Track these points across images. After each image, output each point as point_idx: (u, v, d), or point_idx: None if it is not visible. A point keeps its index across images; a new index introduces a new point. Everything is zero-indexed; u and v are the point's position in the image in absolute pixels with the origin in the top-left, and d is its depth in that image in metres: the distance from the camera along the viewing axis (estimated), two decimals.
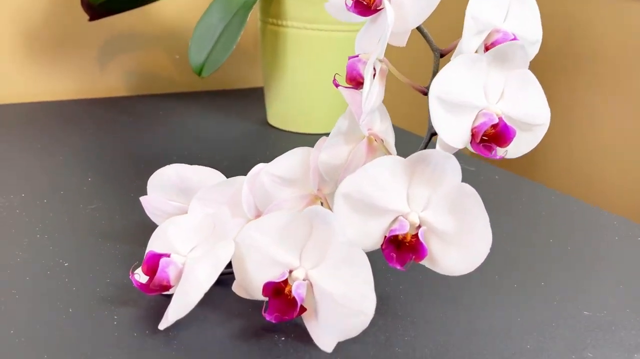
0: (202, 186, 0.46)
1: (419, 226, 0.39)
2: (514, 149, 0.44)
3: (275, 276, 0.38)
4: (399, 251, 0.39)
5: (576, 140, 1.28)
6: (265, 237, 0.39)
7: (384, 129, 0.48)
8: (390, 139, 0.49)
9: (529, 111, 0.43)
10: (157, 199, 0.47)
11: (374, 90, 0.44)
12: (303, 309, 0.38)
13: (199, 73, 0.74)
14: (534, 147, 0.44)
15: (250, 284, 0.40)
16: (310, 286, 0.38)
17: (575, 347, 0.40)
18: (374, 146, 0.47)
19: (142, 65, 0.98)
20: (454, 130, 0.41)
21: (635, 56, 1.15)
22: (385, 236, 0.39)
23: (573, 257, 0.53)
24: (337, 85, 0.47)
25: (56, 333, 0.37)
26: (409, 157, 0.39)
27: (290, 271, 0.38)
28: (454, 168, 0.38)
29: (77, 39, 0.92)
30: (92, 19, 0.81)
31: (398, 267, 0.39)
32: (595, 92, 1.23)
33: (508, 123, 0.41)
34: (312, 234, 0.39)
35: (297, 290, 0.37)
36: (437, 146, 0.42)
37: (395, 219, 0.39)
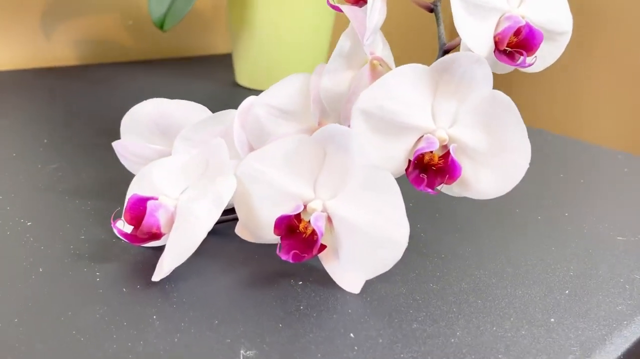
0: (186, 123, 0.39)
1: (445, 147, 0.34)
2: (539, 61, 0.39)
3: (289, 209, 0.33)
4: (428, 175, 0.34)
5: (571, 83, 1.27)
6: (271, 168, 0.34)
7: (386, 54, 0.43)
8: (391, 64, 0.44)
9: (551, 17, 0.38)
10: (133, 144, 0.40)
11: (376, 5, 0.39)
12: (322, 246, 0.32)
13: (161, 26, 0.67)
14: (557, 57, 0.40)
15: (257, 224, 0.34)
16: (328, 220, 0.33)
17: (621, 270, 0.36)
18: (379, 71, 0.42)
19: (91, 33, 0.89)
20: (478, 35, 0.36)
21: None
22: (410, 159, 0.34)
23: (588, 191, 0.50)
24: (331, 6, 0.42)
25: (26, 293, 0.30)
26: (432, 65, 0.34)
27: (305, 206, 0.33)
28: (485, 74, 0.34)
29: (19, 4, 0.82)
30: None
31: (429, 191, 0.34)
32: None
33: (534, 26, 0.36)
34: (326, 160, 0.33)
35: (317, 222, 0.32)
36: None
37: (420, 139, 0.34)
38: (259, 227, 0.34)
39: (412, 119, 0.34)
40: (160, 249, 0.34)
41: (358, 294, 0.33)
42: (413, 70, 0.34)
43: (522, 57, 0.36)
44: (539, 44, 0.36)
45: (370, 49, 0.41)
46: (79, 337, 0.27)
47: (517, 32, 0.36)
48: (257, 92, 0.76)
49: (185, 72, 0.85)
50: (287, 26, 0.73)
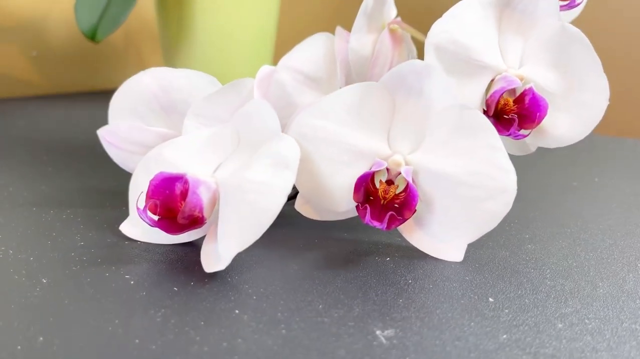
0: (192, 98, 0.32)
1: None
2: (567, 14, 0.37)
3: (361, 170, 0.27)
4: (502, 122, 0.30)
5: None
6: (333, 123, 0.27)
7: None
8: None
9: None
10: (128, 127, 0.32)
11: None
12: (413, 210, 0.27)
13: (92, 37, 0.58)
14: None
15: (324, 194, 0.27)
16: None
17: None
18: (399, 35, 0.37)
19: None
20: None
21: None
22: (491, 98, 0.29)
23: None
24: None
25: (41, 308, 0.21)
26: None
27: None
28: (549, 5, 0.30)
29: None
30: None
31: (519, 134, 0.29)
32: None
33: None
34: (397, 109, 0.28)
35: (408, 176, 0.26)
36: None
37: (493, 81, 0.30)
38: (325, 196, 0.27)
39: (486, 57, 0.29)
40: (188, 246, 0.27)
41: (461, 262, 0.27)
42: (479, 2, 0.30)
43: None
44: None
45: (390, 9, 0.37)
46: (147, 345, 0.19)
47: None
48: None
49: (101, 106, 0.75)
50: (237, 35, 0.67)
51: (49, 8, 0.81)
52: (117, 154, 0.32)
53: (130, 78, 0.32)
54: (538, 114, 0.29)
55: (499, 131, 0.29)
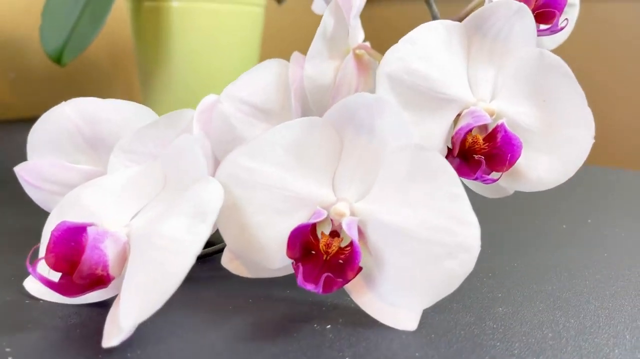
0: (124, 131, 0.28)
1: (483, 129, 0.26)
2: (552, 38, 0.33)
3: (299, 220, 0.23)
4: (469, 163, 0.26)
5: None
6: (269, 164, 0.24)
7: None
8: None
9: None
10: (48, 164, 0.28)
11: None
12: (358, 269, 0.23)
13: (58, 60, 0.55)
14: (568, 34, 0.34)
15: (255, 248, 0.23)
16: (359, 232, 0.23)
17: None
18: (365, 62, 0.34)
19: None
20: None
21: None
22: (457, 136, 0.25)
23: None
24: None
25: None
26: (465, 20, 0.26)
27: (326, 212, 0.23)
28: (526, 29, 0.27)
29: None
30: None
31: (487, 179, 0.25)
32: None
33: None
34: (345, 148, 0.24)
35: (351, 230, 0.22)
36: None
37: (460, 115, 0.26)
38: (257, 251, 0.23)
39: (451, 89, 0.26)
40: (99, 306, 0.23)
41: (414, 331, 0.23)
42: (445, 26, 0.26)
43: (548, 24, 0.29)
44: (565, 3, 0.30)
45: (354, 32, 0.34)
46: None
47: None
48: None
49: None
50: (212, 59, 0.64)
51: (29, 29, 0.79)
52: (37, 194, 0.29)
53: (51, 109, 0.28)
54: (509, 155, 0.25)
55: (465, 174, 0.25)
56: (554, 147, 0.27)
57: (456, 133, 0.25)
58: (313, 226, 0.23)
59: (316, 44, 0.31)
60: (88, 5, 0.55)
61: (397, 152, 0.23)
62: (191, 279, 0.24)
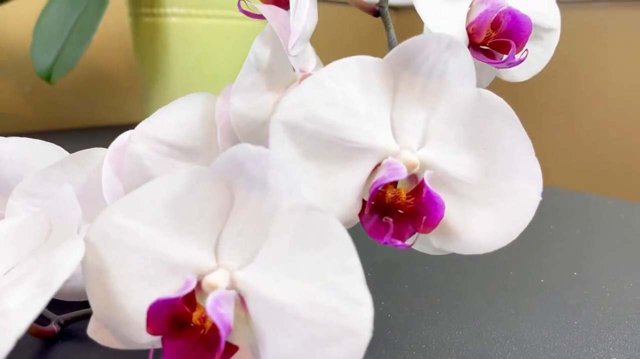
0: (29, 172, 0.26)
1: (413, 179, 0.22)
2: (522, 68, 0.29)
3: (173, 289, 0.20)
4: (395, 219, 0.22)
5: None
6: (144, 223, 0.21)
7: None
8: None
9: (535, 7, 0.29)
10: None
11: (303, 2, 0.28)
12: (232, 348, 0.20)
13: (48, 78, 0.55)
14: (546, 62, 0.30)
15: (123, 318, 0.21)
16: (241, 301, 0.20)
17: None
18: None
19: None
20: (446, 22, 0.25)
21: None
22: (370, 192, 0.22)
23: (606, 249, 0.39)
24: (245, 13, 0.31)
25: None
26: (387, 56, 0.23)
27: (199, 281, 0.20)
28: (462, 68, 0.23)
29: None
30: None
31: (397, 244, 0.22)
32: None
33: (518, 12, 0.26)
34: (235, 206, 0.21)
35: (217, 309, 0.19)
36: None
37: (378, 166, 0.23)
38: (125, 322, 0.21)
39: (363, 136, 0.22)
40: None
41: None
42: (360, 64, 0.22)
43: (507, 54, 0.26)
44: (528, 32, 0.26)
45: (299, 64, 0.31)
46: None
47: (496, 24, 0.26)
48: None
49: (93, 145, 0.72)
50: (209, 73, 0.62)
51: None
52: None
53: None
54: (426, 216, 0.21)
55: (377, 235, 0.22)
56: (495, 203, 0.23)
57: (372, 185, 0.22)
58: (187, 296, 0.20)
59: (246, 77, 0.28)
60: (75, 26, 0.54)
61: (287, 213, 0.20)
62: (71, 338, 0.21)
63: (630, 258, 0.36)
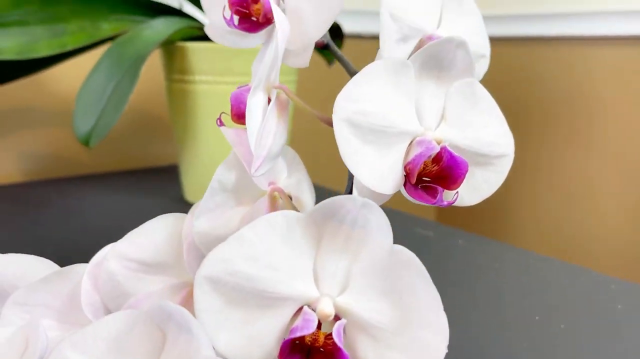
0: (23, 284, 0.31)
1: (336, 319, 0.24)
2: (472, 193, 0.31)
3: None
4: None
5: (545, 193, 1.18)
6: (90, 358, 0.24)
7: (294, 183, 0.35)
8: (306, 195, 0.36)
9: (483, 137, 0.30)
10: None
11: (269, 127, 0.31)
12: None
13: (86, 143, 0.60)
14: (498, 187, 0.31)
15: None
16: None
17: None
18: (279, 205, 0.33)
19: (39, 146, 0.84)
20: (377, 168, 0.27)
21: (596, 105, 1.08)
22: (284, 340, 0.24)
23: (583, 329, 0.39)
24: (221, 124, 0.34)
25: None
26: (310, 211, 0.25)
27: None
28: (380, 223, 0.25)
29: None
30: None
31: None
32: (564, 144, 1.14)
33: (455, 153, 0.28)
34: (165, 347, 0.24)
35: None
36: (355, 191, 0.28)
37: (298, 312, 0.25)
38: None
39: (282, 287, 0.24)
40: None
41: None
42: (286, 218, 0.25)
43: (439, 195, 0.27)
44: (463, 175, 0.28)
45: (267, 179, 0.33)
46: None
47: (435, 160, 0.28)
48: None
49: (131, 187, 0.78)
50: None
51: None
52: None
53: None
54: None
55: None
56: (407, 349, 0.24)
57: (289, 332, 0.24)
58: None
59: (211, 199, 0.31)
60: (111, 96, 0.59)
61: None
62: None
63: None
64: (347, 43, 0.71)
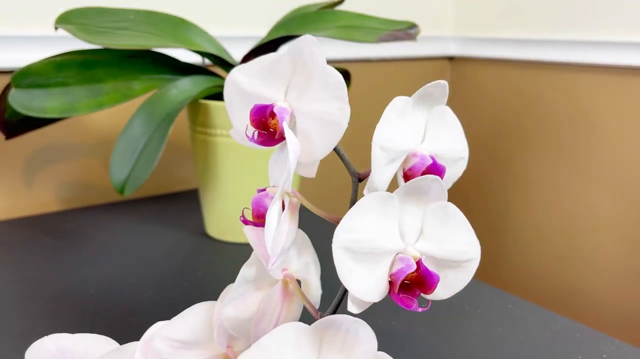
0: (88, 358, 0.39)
1: None
2: (445, 290, 0.38)
3: None
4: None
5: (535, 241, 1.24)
6: None
7: (303, 267, 0.43)
8: (312, 276, 0.43)
9: (455, 247, 0.37)
10: None
11: (282, 229, 0.39)
12: None
13: (121, 191, 0.68)
14: (466, 283, 0.39)
15: None
16: None
17: None
18: (290, 290, 0.41)
19: (75, 176, 0.92)
20: (366, 282, 0.35)
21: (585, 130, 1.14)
22: None
23: None
24: (245, 222, 0.42)
25: None
26: (314, 323, 0.33)
27: None
28: (367, 335, 0.32)
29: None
30: (8, 137, 0.75)
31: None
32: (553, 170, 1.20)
33: (429, 266, 0.35)
34: None
35: None
36: (349, 302, 0.36)
37: None
38: None
39: None
40: None
41: None
42: (294, 330, 0.33)
43: (414, 304, 0.35)
44: (435, 284, 0.35)
45: (282, 266, 0.41)
46: None
47: (416, 268, 0.35)
48: (226, 243, 0.76)
49: (157, 215, 0.86)
50: (249, 179, 0.74)
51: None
52: None
53: (37, 341, 0.39)
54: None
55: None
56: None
57: None
58: None
59: (237, 290, 0.39)
60: (144, 151, 0.67)
61: None
62: None
63: None
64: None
